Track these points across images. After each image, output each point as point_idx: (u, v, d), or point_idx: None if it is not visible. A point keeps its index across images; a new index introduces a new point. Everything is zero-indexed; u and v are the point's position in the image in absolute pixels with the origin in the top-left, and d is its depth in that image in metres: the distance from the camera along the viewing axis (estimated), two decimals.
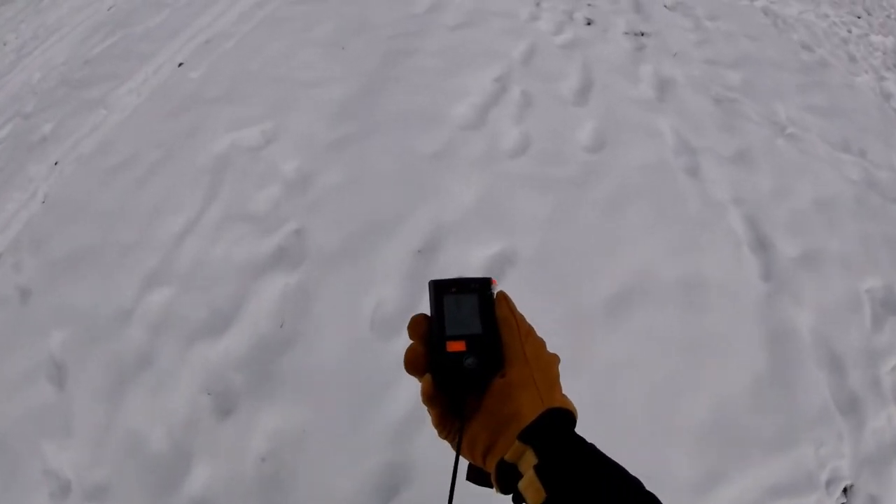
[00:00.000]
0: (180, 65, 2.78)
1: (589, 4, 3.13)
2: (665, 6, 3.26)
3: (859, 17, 3.66)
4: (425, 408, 0.51)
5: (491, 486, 0.48)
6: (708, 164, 2.15)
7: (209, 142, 2.22)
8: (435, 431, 0.51)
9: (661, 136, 2.26)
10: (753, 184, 2.12)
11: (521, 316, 0.52)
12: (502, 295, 0.53)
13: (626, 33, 2.93)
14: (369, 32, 2.75)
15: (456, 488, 0.46)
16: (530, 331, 0.51)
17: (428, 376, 0.49)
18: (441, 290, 0.53)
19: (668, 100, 2.48)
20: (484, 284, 0.53)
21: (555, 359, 0.51)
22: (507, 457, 0.44)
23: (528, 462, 0.43)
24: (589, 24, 2.95)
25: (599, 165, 2.09)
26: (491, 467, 0.46)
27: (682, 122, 2.35)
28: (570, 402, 0.48)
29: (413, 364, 0.50)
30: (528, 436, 0.44)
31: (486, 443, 0.46)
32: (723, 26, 3.13)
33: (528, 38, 2.74)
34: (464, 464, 0.50)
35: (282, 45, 2.73)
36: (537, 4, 3.05)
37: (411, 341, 0.52)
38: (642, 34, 2.92)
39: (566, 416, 0.46)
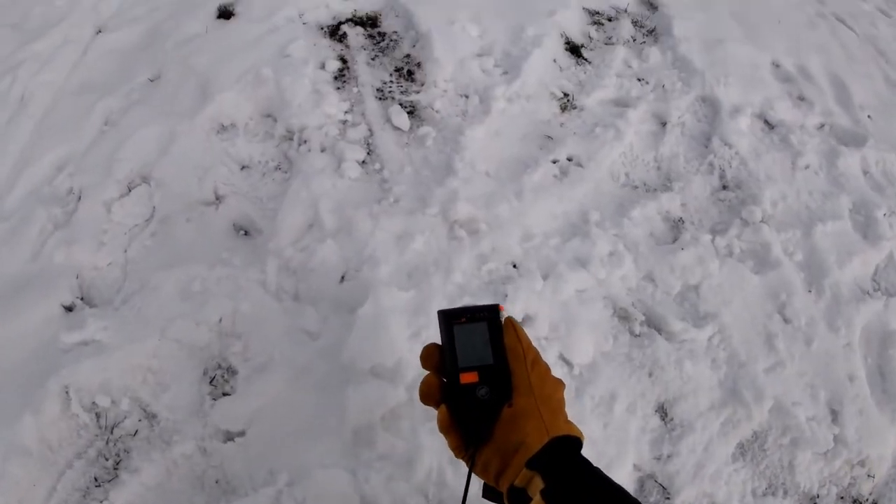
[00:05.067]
0: None
1: None
2: None
3: None
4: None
5: (503, 503, 0.52)
6: None
7: None
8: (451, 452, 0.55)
9: None
10: None
11: (528, 342, 0.54)
12: (509, 322, 0.55)
13: None
14: None
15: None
16: (536, 358, 0.54)
17: (444, 407, 0.52)
18: (451, 320, 0.55)
19: None
20: (492, 311, 0.56)
21: (559, 385, 0.54)
22: (516, 482, 0.48)
23: (535, 486, 0.47)
24: None
25: None
26: (503, 489, 0.50)
27: None
28: (574, 428, 0.51)
29: (428, 395, 0.54)
30: (535, 464, 0.47)
31: (498, 468, 0.50)
32: None
33: None
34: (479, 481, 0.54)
35: None
36: None
37: (425, 371, 0.55)
38: None
39: (571, 442, 0.50)
